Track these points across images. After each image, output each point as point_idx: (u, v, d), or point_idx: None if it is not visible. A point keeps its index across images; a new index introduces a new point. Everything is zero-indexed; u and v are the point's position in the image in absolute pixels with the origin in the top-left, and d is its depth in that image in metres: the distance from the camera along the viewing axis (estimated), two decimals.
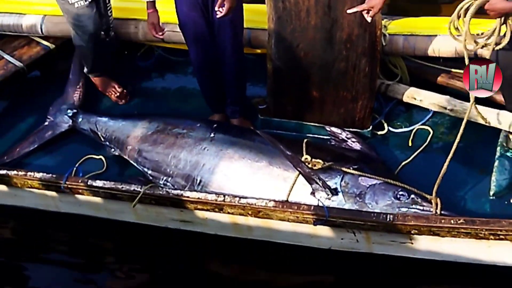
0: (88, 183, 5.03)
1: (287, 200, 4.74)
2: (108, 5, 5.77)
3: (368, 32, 4.94)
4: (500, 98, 5.09)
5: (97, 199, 5.16)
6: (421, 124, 5.49)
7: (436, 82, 5.53)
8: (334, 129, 5.41)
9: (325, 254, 4.95)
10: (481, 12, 4.40)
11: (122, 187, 4.96)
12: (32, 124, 6.08)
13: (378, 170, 4.89)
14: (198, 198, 4.79)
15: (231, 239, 5.14)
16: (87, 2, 5.48)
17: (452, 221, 4.30)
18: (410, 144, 5.36)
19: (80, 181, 5.08)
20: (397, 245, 4.66)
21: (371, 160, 5.12)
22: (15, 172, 5.24)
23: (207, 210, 4.84)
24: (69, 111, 5.94)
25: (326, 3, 4.91)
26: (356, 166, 4.85)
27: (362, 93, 5.22)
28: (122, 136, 5.59)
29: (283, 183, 4.85)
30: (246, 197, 4.70)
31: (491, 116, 5.00)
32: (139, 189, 4.90)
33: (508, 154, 4.95)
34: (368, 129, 5.43)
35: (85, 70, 6.07)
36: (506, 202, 4.77)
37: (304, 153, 4.92)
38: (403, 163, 5.18)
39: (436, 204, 4.50)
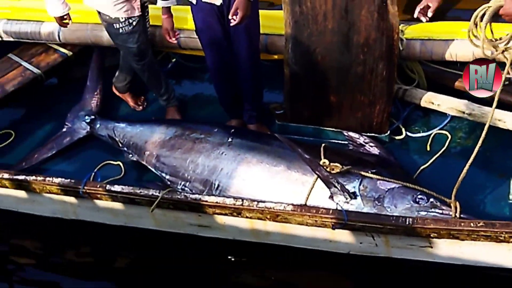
0: (107, 188, 5.02)
1: (305, 204, 4.72)
2: (147, 19, 5.77)
3: (386, 35, 4.94)
4: None
5: (116, 204, 5.15)
6: (439, 129, 5.48)
7: (453, 87, 5.51)
8: (351, 133, 5.42)
9: (344, 259, 4.93)
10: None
11: (141, 192, 4.95)
12: (49, 130, 6.15)
13: (397, 174, 4.87)
14: (216, 202, 4.77)
15: (248, 244, 5.12)
16: (131, 27, 5.48)
17: (471, 224, 4.26)
18: (428, 149, 5.35)
19: (98, 186, 5.07)
20: (416, 249, 4.62)
21: (390, 164, 5.11)
22: (33, 177, 5.23)
23: (225, 214, 4.82)
24: (87, 117, 5.98)
25: (343, 7, 4.92)
26: (374, 170, 4.84)
27: (380, 97, 5.22)
28: (140, 141, 5.62)
29: (301, 187, 4.85)
30: (264, 201, 4.68)
31: (510, 120, 4.98)
32: (157, 194, 4.89)
33: None
34: (386, 134, 5.43)
35: (117, 80, 6.17)
36: None
37: (322, 157, 4.91)
38: (421, 167, 5.18)
39: (456, 208, 4.47)
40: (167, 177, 5.36)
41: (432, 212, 4.54)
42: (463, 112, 5.24)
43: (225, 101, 5.79)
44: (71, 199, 5.29)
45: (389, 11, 4.86)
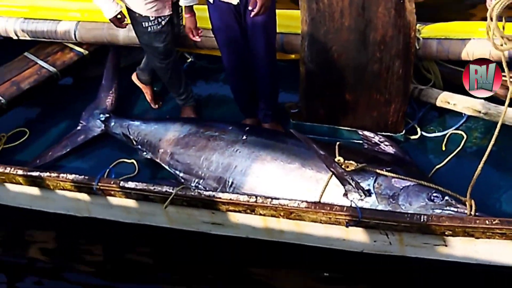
0: (121, 185, 5.02)
1: (319, 201, 4.71)
2: (180, 17, 5.78)
3: (402, 33, 4.92)
4: None
5: (129, 201, 5.15)
6: (455, 129, 5.46)
7: None
8: (367, 133, 5.40)
9: (357, 257, 4.90)
10: None
11: (154, 188, 4.95)
12: (64, 129, 6.16)
13: (412, 172, 4.85)
14: (230, 199, 4.76)
15: (261, 242, 5.11)
16: (160, 26, 5.49)
17: (487, 222, 4.24)
18: (443, 149, 5.33)
19: (112, 182, 5.07)
20: (430, 248, 4.60)
21: (405, 163, 5.09)
22: (47, 173, 5.24)
23: (239, 211, 4.81)
24: (101, 115, 5.99)
25: (360, 4, 4.91)
26: (389, 168, 4.81)
27: (396, 96, 5.20)
28: (154, 139, 5.62)
29: (315, 184, 4.83)
30: (278, 198, 4.67)
31: None
32: (171, 190, 4.88)
33: None
34: (401, 133, 5.40)
35: (141, 72, 6.19)
36: None
37: (337, 155, 4.89)
38: (437, 167, 5.16)
39: (471, 206, 4.45)
40: (181, 174, 5.35)
41: (447, 210, 4.51)
42: (479, 112, 5.22)
43: (241, 100, 5.79)
44: (85, 196, 5.30)
45: (406, 8, 4.84)
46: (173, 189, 4.89)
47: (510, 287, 4.72)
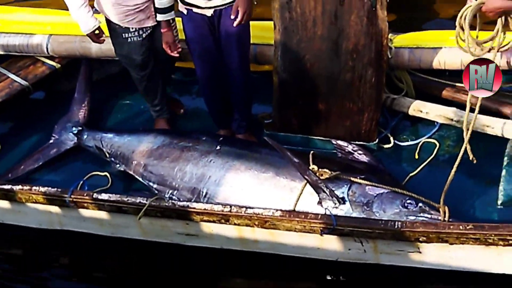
0: (94, 196, 5.00)
1: (294, 210, 4.70)
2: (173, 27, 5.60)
3: (375, 41, 4.96)
4: (506, 111, 5.11)
5: (102, 214, 5.12)
6: (427, 138, 5.48)
7: (441, 96, 5.56)
8: (340, 142, 5.40)
9: (332, 266, 4.90)
10: (491, 22, 4.44)
11: (128, 200, 4.93)
12: (37, 142, 6.09)
13: (385, 180, 4.86)
14: (204, 209, 4.75)
15: (236, 253, 5.08)
16: (141, 38, 5.47)
17: (460, 227, 4.27)
18: (416, 157, 5.35)
19: (85, 194, 5.05)
20: (404, 255, 4.61)
21: (378, 171, 5.10)
22: (19, 187, 5.20)
23: (213, 221, 4.79)
24: (74, 128, 5.95)
25: (333, 13, 4.94)
26: (363, 176, 4.81)
27: (368, 105, 5.22)
28: (127, 151, 5.58)
29: (289, 193, 4.82)
30: (252, 207, 4.66)
31: (498, 126, 5.01)
32: (144, 201, 4.87)
33: None
34: (374, 142, 5.42)
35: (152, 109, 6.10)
36: None
37: (311, 163, 4.89)
38: (410, 175, 5.17)
39: (444, 212, 4.47)
40: (155, 186, 5.32)
41: (421, 216, 4.52)
42: (452, 120, 5.28)
43: (215, 111, 5.78)
44: (57, 209, 5.26)
45: (378, 16, 4.89)
46: (147, 200, 4.87)
47: None
